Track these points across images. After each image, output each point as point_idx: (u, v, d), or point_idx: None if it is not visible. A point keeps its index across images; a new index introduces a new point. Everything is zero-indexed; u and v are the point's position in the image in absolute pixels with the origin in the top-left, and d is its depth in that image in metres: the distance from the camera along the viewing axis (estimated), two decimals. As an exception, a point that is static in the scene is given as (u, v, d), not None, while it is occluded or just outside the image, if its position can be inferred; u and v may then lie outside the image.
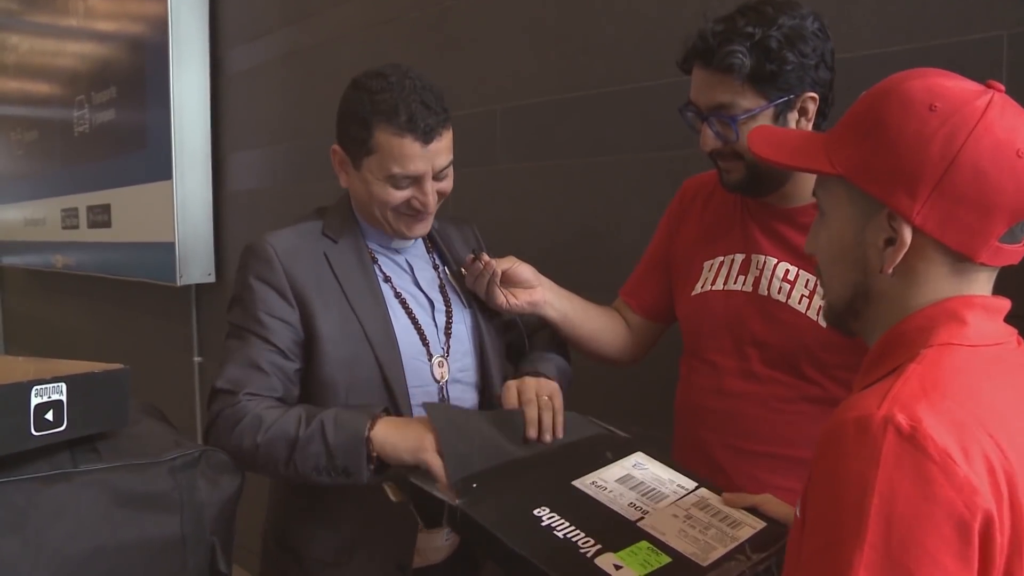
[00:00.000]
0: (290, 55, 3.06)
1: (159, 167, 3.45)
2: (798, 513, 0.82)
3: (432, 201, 1.39)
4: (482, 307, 1.54)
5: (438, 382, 1.45)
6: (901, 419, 0.71)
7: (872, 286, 0.86)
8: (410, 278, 1.49)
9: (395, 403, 1.38)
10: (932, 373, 0.77)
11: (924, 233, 0.80)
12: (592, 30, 2.02)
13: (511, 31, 2.22)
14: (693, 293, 1.46)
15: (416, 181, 1.37)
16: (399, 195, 1.38)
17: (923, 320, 0.83)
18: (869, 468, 0.71)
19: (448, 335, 1.48)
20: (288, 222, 1.47)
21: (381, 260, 1.48)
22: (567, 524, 1.09)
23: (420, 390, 1.42)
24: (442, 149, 1.37)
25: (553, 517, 1.10)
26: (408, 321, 1.44)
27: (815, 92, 1.28)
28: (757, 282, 1.37)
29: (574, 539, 1.06)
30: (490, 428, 1.28)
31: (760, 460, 1.34)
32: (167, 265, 3.44)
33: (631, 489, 1.20)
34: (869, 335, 0.89)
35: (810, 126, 1.30)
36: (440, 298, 1.50)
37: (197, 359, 3.67)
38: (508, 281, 1.50)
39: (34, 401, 1.03)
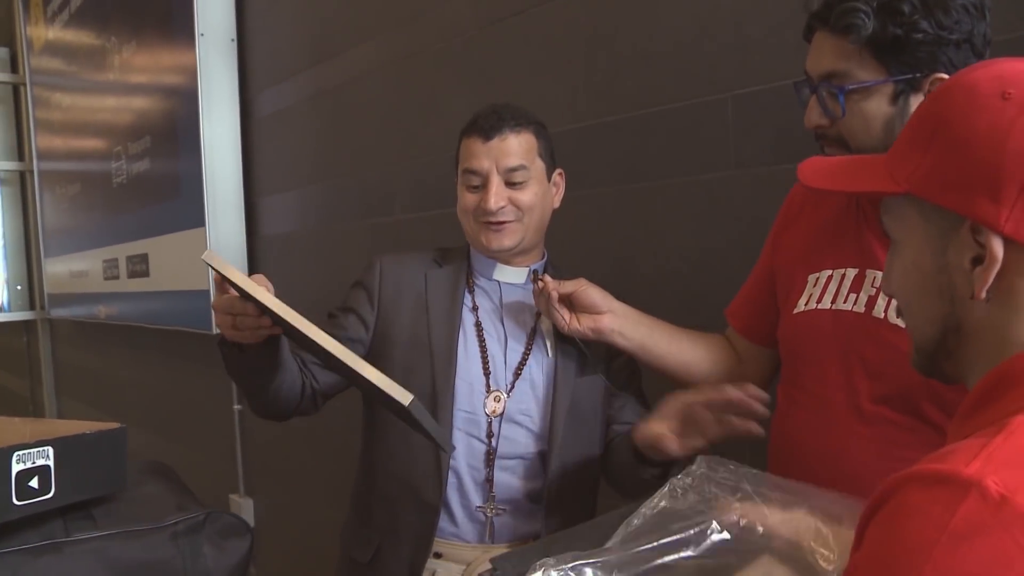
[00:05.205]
0: (317, 95, 3.02)
1: (193, 214, 3.43)
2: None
3: (493, 203, 1.40)
4: (578, 365, 1.48)
5: (488, 415, 1.45)
6: (991, 483, 0.57)
7: (964, 317, 0.71)
8: (497, 313, 1.51)
9: (436, 415, 1.41)
10: None
11: (1018, 243, 0.66)
12: (618, 54, 1.93)
13: (536, 59, 2.14)
14: (795, 311, 1.27)
15: (485, 182, 1.42)
16: (471, 197, 1.45)
17: None
18: (933, 531, 0.57)
19: (517, 375, 1.47)
20: (333, 263, 1.49)
21: (479, 290, 1.52)
22: None
23: (467, 415, 1.45)
24: (507, 149, 1.41)
25: None
26: (477, 349, 1.47)
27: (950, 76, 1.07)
28: (872, 302, 1.17)
29: None
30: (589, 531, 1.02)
31: None
32: (203, 312, 3.39)
33: None
34: (968, 377, 0.74)
35: None
36: (522, 337, 1.49)
37: (237, 407, 3.60)
38: (577, 304, 1.41)
39: (15, 468, 0.95)
